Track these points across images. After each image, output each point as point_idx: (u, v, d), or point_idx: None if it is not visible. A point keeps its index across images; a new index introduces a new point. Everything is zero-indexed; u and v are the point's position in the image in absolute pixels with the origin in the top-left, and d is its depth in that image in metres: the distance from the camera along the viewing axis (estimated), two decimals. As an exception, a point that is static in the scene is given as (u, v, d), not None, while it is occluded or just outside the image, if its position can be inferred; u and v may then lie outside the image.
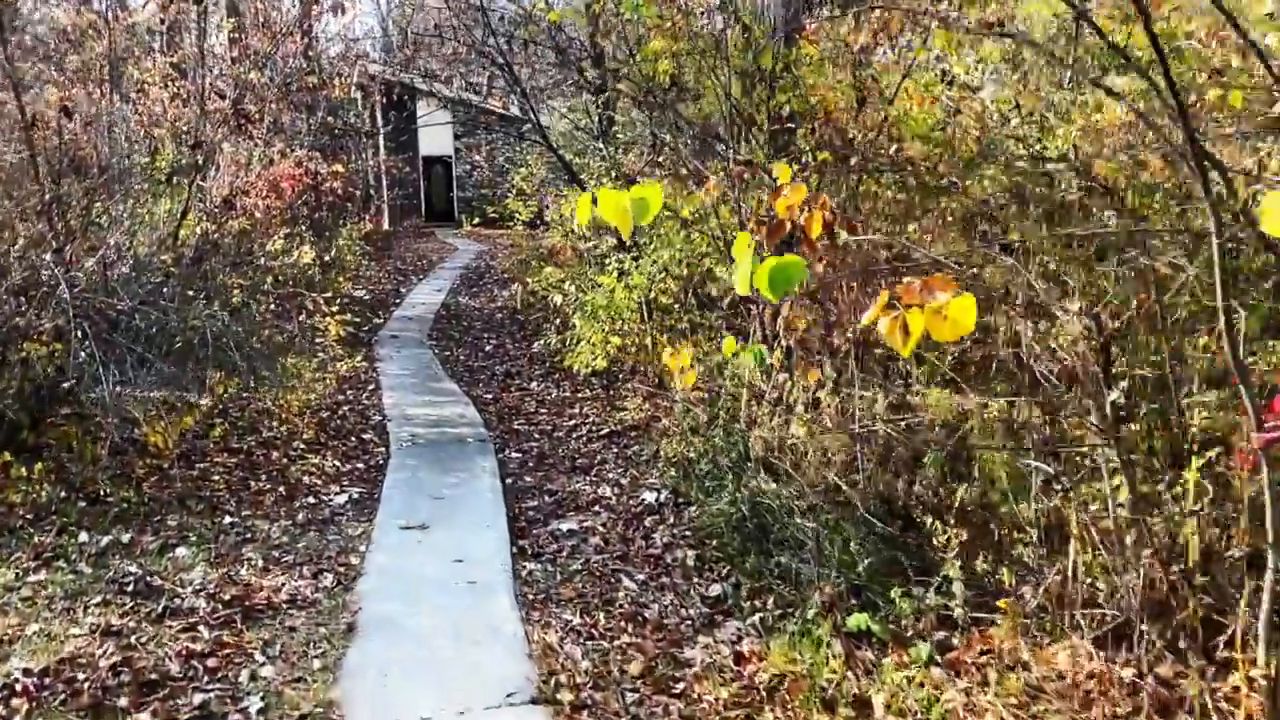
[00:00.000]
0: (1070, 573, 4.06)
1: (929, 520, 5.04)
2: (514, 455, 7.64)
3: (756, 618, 4.55)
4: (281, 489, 6.58)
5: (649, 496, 6.36)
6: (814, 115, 7.83)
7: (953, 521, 4.68)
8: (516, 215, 19.61)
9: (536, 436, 8.22)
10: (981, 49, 10.44)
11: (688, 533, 5.70)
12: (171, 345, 6.44)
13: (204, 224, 7.58)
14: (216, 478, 6.73)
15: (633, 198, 3.05)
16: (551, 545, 5.64)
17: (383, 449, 7.70)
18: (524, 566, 5.28)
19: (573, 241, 14.32)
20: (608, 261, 10.57)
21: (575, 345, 9.98)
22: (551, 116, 19.97)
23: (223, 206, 6.86)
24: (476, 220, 26.14)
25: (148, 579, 4.94)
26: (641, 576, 5.15)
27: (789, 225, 3.07)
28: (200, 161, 6.64)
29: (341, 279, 16.22)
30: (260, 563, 5.25)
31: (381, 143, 24.75)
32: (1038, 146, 8.78)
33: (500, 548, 5.48)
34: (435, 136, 26.41)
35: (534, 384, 10.39)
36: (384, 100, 23.16)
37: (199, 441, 7.45)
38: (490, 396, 9.83)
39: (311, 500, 6.41)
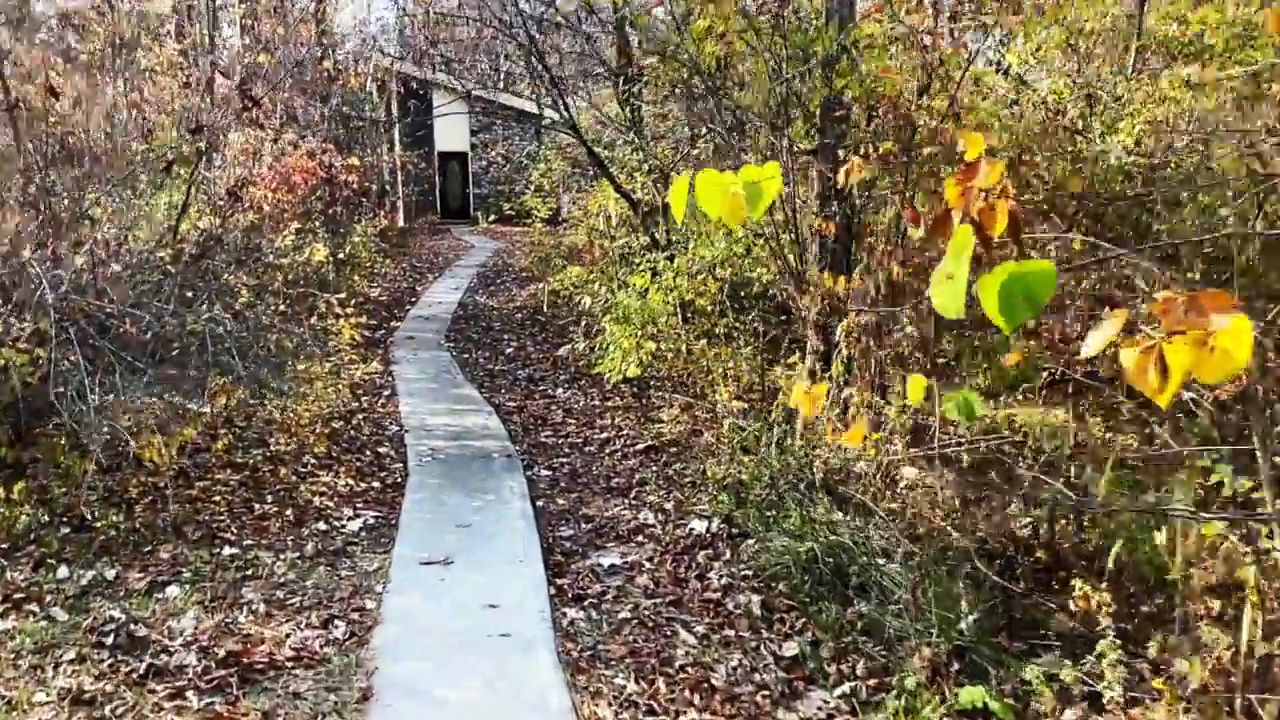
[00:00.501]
0: (1244, 646, 3.29)
1: (1040, 564, 4.27)
2: (543, 473, 6.88)
3: (846, 687, 3.79)
4: (289, 512, 5.84)
5: (698, 526, 5.60)
6: (872, 101, 7.06)
7: (1082, 571, 3.91)
8: (535, 212, 18.87)
9: (567, 451, 7.47)
10: (1037, 36, 9.65)
11: (748, 572, 4.93)
12: (168, 351, 5.71)
13: (208, 218, 6.86)
14: (218, 498, 5.99)
15: (744, 181, 2.29)
16: (594, 585, 4.88)
17: (400, 464, 6.95)
18: (565, 614, 4.52)
19: (597, 239, 13.58)
20: (638, 261, 9.81)
21: (605, 351, 9.22)
22: (573, 109, 19.22)
23: (228, 199, 6.14)
24: (493, 217, 25.40)
25: (131, 627, 4.20)
26: (701, 628, 4.39)
27: (961, 218, 2.30)
28: (202, 148, 5.91)
29: (356, 277, 15.51)
30: (262, 607, 4.50)
31: (397, 138, 24.03)
32: (1100, 138, 8.00)
33: (536, 589, 4.73)
34: (451, 132, 25.67)
35: (560, 390, 9.63)
36: (400, 92, 22.44)
37: (200, 455, 6.72)
38: (514, 404, 9.08)
39: (322, 526, 5.67)
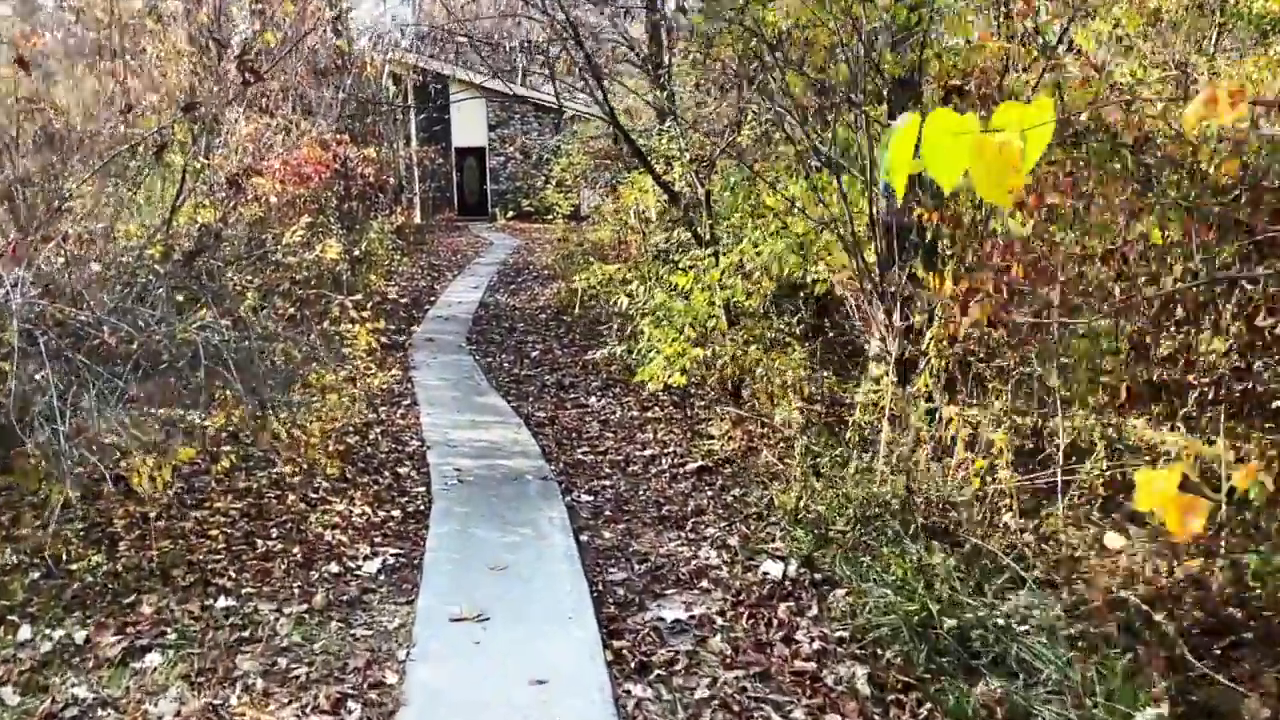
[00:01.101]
0: None
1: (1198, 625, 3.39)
2: (584, 498, 6.00)
3: (1006, 810, 2.89)
4: (296, 550, 4.97)
5: (772, 569, 4.71)
6: (953, 76, 6.15)
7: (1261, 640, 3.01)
8: (556, 208, 18.00)
9: (607, 471, 6.58)
10: (1115, 15, 8.68)
11: (843, 633, 4.04)
12: (156, 365, 4.85)
13: (207, 210, 6.01)
14: (215, 532, 5.14)
15: (1012, 124, 1.40)
16: (659, 649, 4.00)
17: (423, 488, 6.09)
18: (629, 691, 3.64)
19: (629, 235, 12.69)
20: (677, 258, 8.91)
21: (645, 356, 8.31)
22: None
23: (229, 189, 5.30)
24: (511, 213, 24.54)
25: (99, 715, 3.35)
26: (800, 713, 3.50)
27: None
28: (197, 131, 5.07)
29: (373, 276, 14.66)
30: (260, 682, 3.64)
31: (413, 132, 23.18)
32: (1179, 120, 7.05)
33: (591, 655, 3.85)
34: (468, 127, 24.82)
35: (593, 399, 8.75)
36: (417, 84, 21.58)
37: (199, 479, 5.88)
38: (544, 415, 8.20)
39: (334, 568, 4.80)
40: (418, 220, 23.06)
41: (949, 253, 5.53)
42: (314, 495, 5.78)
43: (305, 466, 6.01)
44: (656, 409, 8.17)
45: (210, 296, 4.88)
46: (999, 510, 4.71)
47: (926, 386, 5.37)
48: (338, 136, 11.49)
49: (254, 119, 9.72)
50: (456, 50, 24.06)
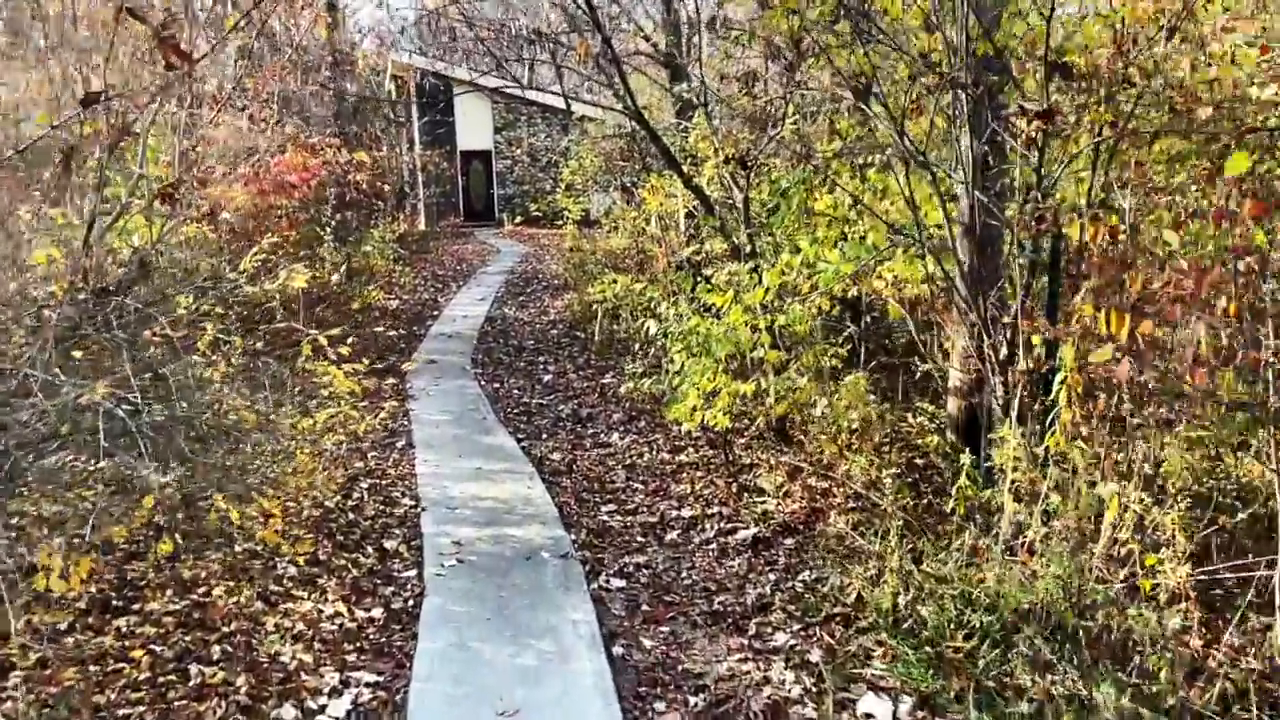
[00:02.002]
0: None
1: None
2: (614, 583, 4.70)
3: None
4: (241, 683, 3.69)
5: (876, 709, 3.41)
6: (1059, 56, 4.84)
7: None
8: (566, 213, 16.70)
9: (639, 539, 5.29)
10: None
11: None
12: (55, 433, 3.58)
13: (143, 230, 4.75)
14: (139, 652, 3.86)
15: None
16: None
17: (413, 572, 4.80)
18: None
19: (648, 243, 11.38)
20: (710, 271, 7.61)
21: (677, 389, 7.00)
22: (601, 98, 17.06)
23: (163, 203, 4.04)
24: (519, 219, 23.27)
25: None
26: None
27: None
28: (108, 130, 3.81)
29: (370, 290, 13.39)
30: None
31: (416, 136, 21.92)
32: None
33: None
34: (473, 129, 23.54)
35: (615, 435, 7.46)
36: (418, 83, 20.30)
37: (134, 564, 4.61)
38: (559, 458, 6.92)
39: (288, 715, 3.52)
40: (422, 227, 21.80)
41: (1077, 270, 4.22)
42: (274, 588, 4.49)
43: (267, 546, 4.72)
44: (690, 450, 6.87)
45: (125, 348, 3.62)
46: (1181, 628, 3.41)
47: (1058, 445, 4.07)
48: (328, 140, 10.21)
49: (227, 120, 8.45)
50: (463, 50, 22.80)
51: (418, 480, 6.25)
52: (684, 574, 4.78)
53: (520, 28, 22.79)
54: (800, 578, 4.58)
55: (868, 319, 7.33)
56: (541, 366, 10.19)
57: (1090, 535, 3.84)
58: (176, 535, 4.68)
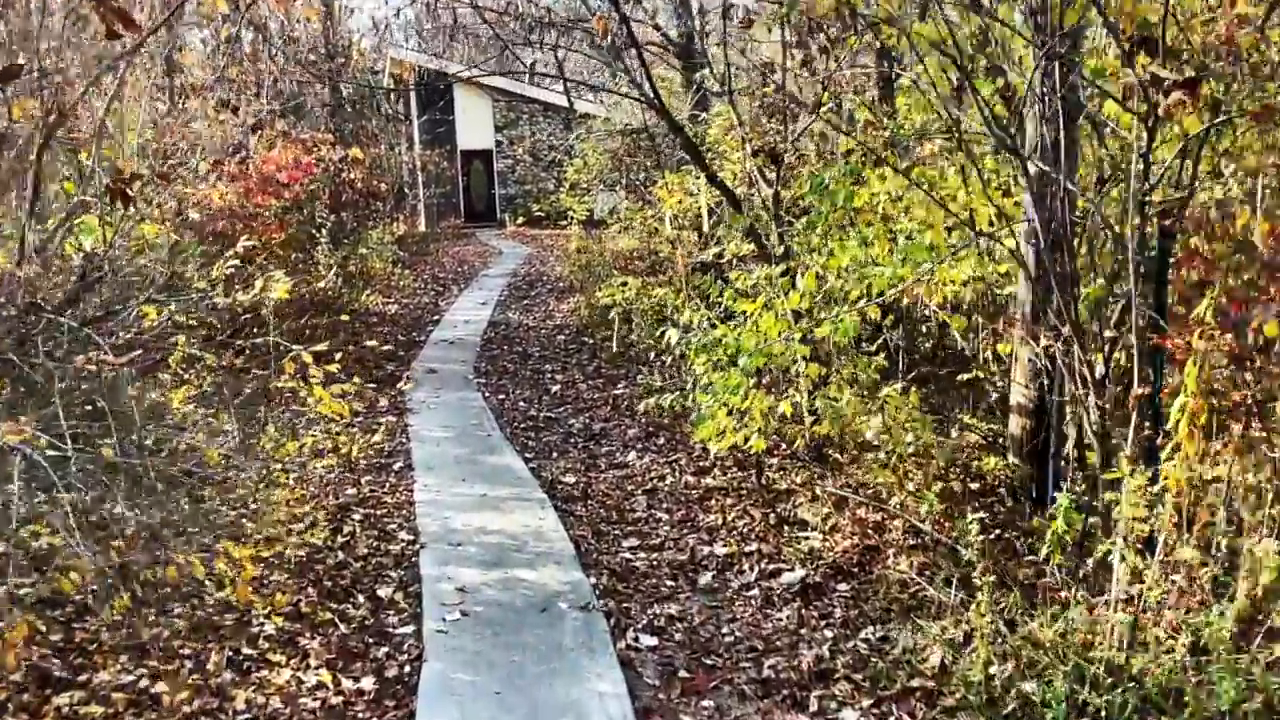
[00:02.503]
0: None
1: None
2: (644, 640, 3.99)
3: None
4: (198, 784, 2.99)
5: (987, 821, 2.71)
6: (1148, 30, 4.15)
7: None
8: (570, 213, 16.00)
9: (670, 583, 4.58)
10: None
11: None
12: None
13: (92, 232, 4.04)
14: (78, 742, 3.16)
15: None
16: None
17: (410, 627, 4.10)
18: None
19: (657, 245, 10.67)
20: (735, 274, 6.90)
21: (695, 400, 6.29)
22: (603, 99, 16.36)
23: (113, 201, 3.34)
24: (520, 219, 22.57)
25: None
26: None
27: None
28: (44, 115, 3.11)
29: (368, 294, 12.69)
30: None
31: (416, 135, 21.21)
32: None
33: None
34: (474, 128, 22.82)
35: (632, 454, 6.76)
36: (418, 81, 19.58)
37: (82, 623, 3.90)
38: (572, 481, 6.22)
39: (252, 831, 2.82)
40: (422, 228, 21.10)
41: (1199, 272, 3.51)
42: (249, 651, 3.79)
43: (240, 598, 4.02)
44: (717, 472, 6.17)
45: (57, 377, 2.91)
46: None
47: (1179, 484, 3.36)
48: (321, 137, 9.50)
49: (209, 113, 7.74)
50: (464, 48, 22.10)
51: (416, 510, 5.54)
52: (724, 628, 4.08)
53: (526, 12, 22.07)
54: (863, 635, 3.87)
55: (909, 326, 6.63)
56: (549, 376, 9.49)
57: (1230, 595, 3.14)
58: (136, 586, 3.99)
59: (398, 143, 18.81)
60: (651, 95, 5.94)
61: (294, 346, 4.53)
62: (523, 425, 7.71)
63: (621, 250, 13.20)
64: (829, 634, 3.92)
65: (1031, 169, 4.77)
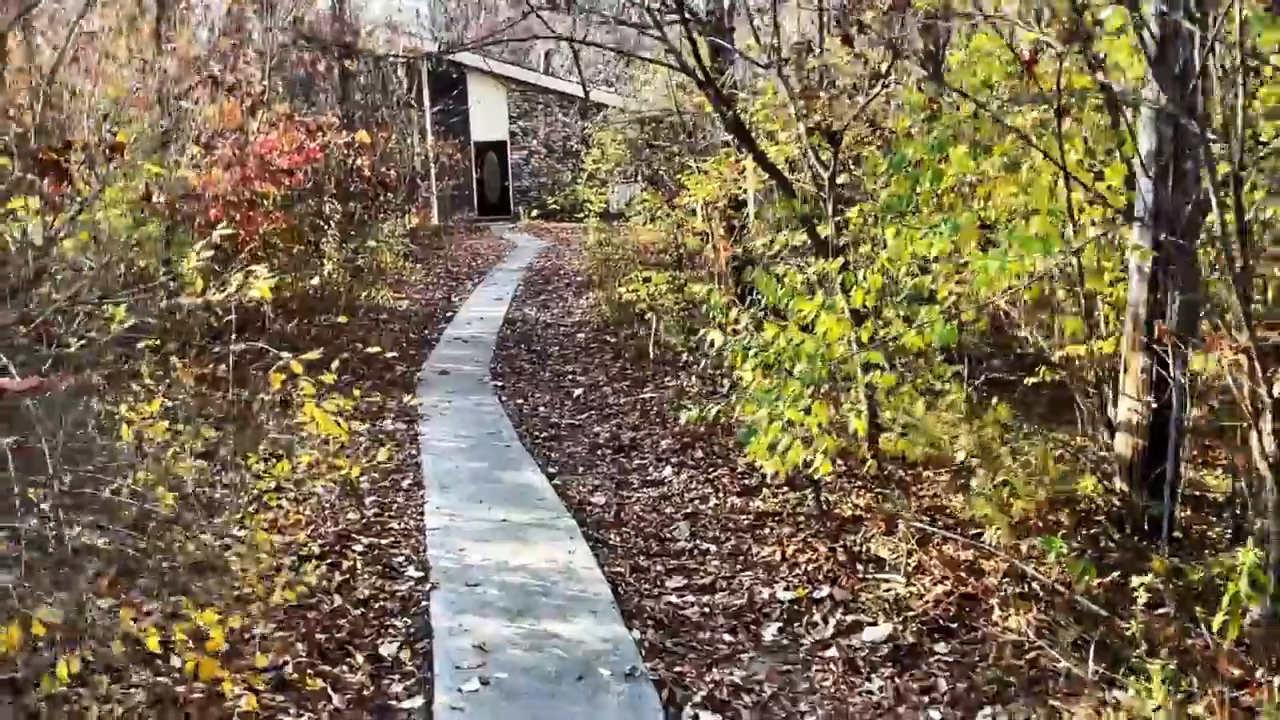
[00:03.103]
0: None
1: None
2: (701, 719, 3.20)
3: None
4: None
5: None
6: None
7: None
8: (588, 205, 15.18)
9: (728, 637, 3.78)
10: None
11: None
12: None
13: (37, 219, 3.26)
14: None
15: None
16: None
17: (419, 699, 3.30)
18: None
19: (684, 236, 9.85)
20: (780, 268, 6.09)
21: (736, 407, 5.47)
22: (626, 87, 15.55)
23: (43, 177, 2.57)
24: (535, 212, 21.76)
25: None
26: None
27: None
28: None
29: (377, 288, 11.92)
30: None
31: (429, 126, 20.41)
32: None
33: None
34: (488, 119, 22.01)
35: (667, 469, 5.96)
36: (431, 70, 18.79)
37: (22, 702, 3.13)
38: (601, 501, 5.44)
39: None
40: (434, 221, 20.32)
41: None
42: (218, 736, 3.01)
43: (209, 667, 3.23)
44: (766, 492, 5.36)
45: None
46: None
47: None
48: (327, 120, 8.71)
49: (209, 92, 6.95)
50: (477, 27, 21.31)
51: (427, 539, 4.76)
52: (802, 703, 3.27)
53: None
54: (986, 717, 3.06)
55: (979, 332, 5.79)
56: (569, 378, 8.69)
57: None
58: (88, 650, 3.21)
59: (410, 132, 18.02)
60: (695, 65, 5.10)
61: (282, 355, 3.73)
62: (544, 434, 6.92)
63: (644, 243, 12.38)
64: (935, 716, 3.11)
65: (1146, 142, 3.96)
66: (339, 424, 3.70)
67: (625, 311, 10.33)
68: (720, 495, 5.41)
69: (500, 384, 8.46)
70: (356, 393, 5.25)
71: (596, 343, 10.04)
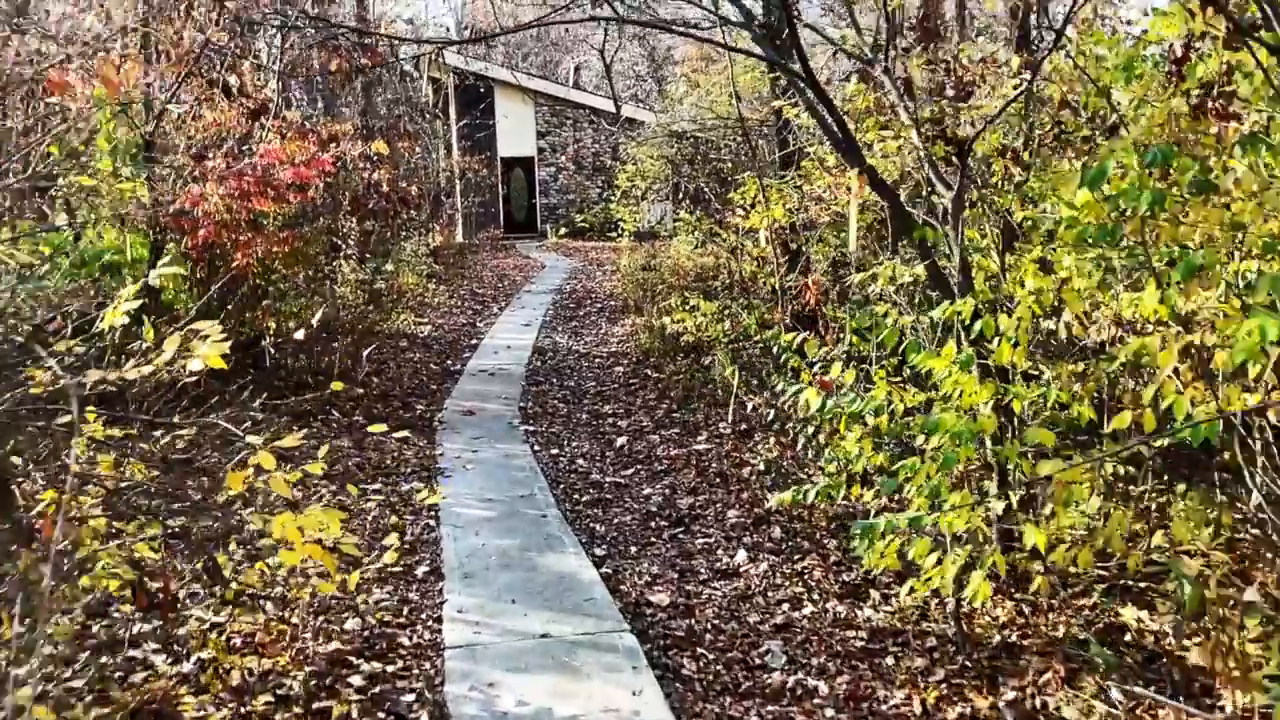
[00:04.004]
0: None
1: None
2: None
3: None
4: None
5: None
6: None
7: None
8: (621, 224, 14.04)
9: None
10: None
11: None
12: None
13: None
14: None
15: None
16: None
17: None
18: None
19: (735, 263, 8.65)
20: (882, 308, 4.86)
21: (833, 483, 4.23)
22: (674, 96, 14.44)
23: None
24: (563, 230, 20.66)
25: None
26: None
27: None
28: None
29: (398, 313, 10.80)
30: None
31: (454, 141, 19.37)
32: None
33: None
34: (515, 134, 20.95)
35: (741, 553, 4.74)
36: (457, 85, 17.76)
37: None
38: (665, 601, 4.23)
39: None
40: (459, 239, 19.24)
41: None
42: None
43: None
44: (877, 595, 4.13)
45: None
46: None
47: None
48: (341, 128, 7.60)
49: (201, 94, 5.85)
50: (505, 51, 20.29)
51: (445, 665, 3.56)
52: None
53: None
54: None
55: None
56: (609, 421, 7.50)
57: None
58: None
59: (435, 147, 16.97)
60: (804, 73, 3.89)
61: (250, 439, 2.57)
62: (585, 497, 5.72)
63: (685, 267, 11.20)
64: None
65: None
66: (326, 550, 2.51)
67: (668, 343, 9.15)
68: (818, 599, 4.18)
69: (531, 428, 7.28)
70: (353, 489, 4.06)
71: (636, 378, 8.84)
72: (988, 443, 3.60)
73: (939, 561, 3.33)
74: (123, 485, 2.89)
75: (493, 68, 20.48)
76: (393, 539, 4.10)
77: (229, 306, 6.37)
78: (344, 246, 9.49)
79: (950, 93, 5.42)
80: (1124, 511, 3.35)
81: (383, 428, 3.22)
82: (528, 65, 26.20)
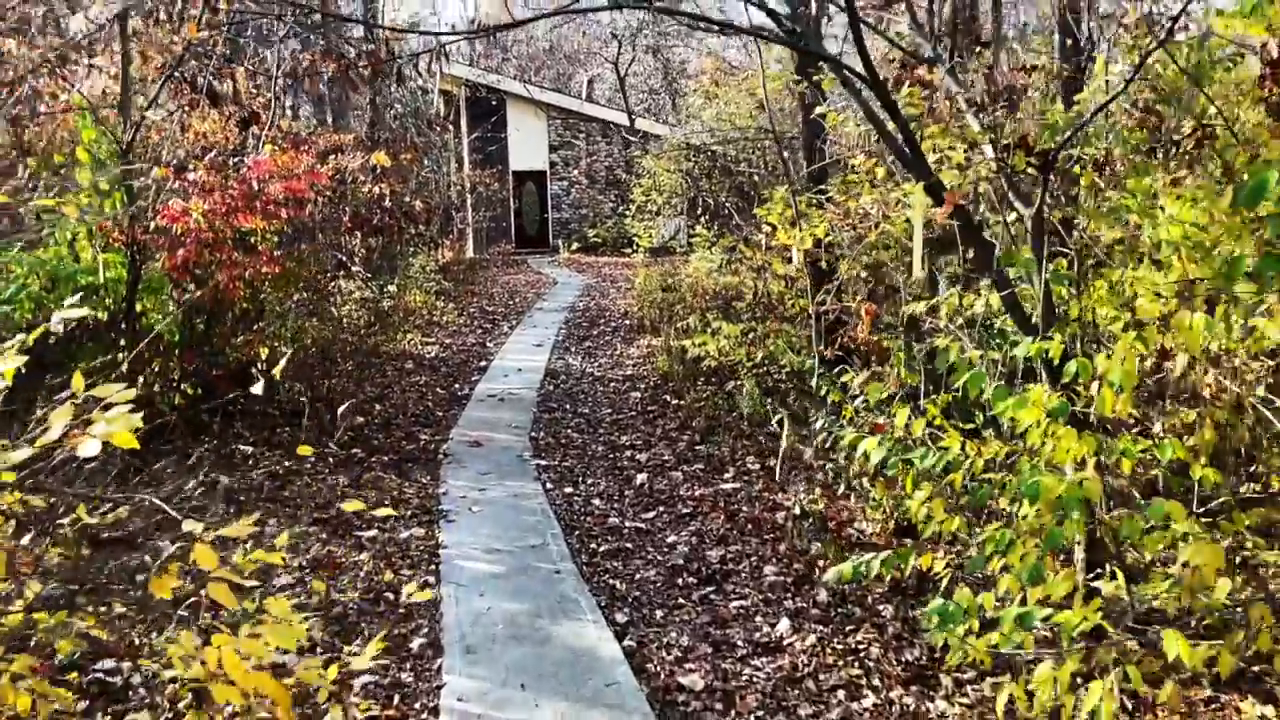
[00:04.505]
0: None
1: None
2: None
3: None
4: None
5: None
6: None
7: None
8: (636, 240, 13.44)
9: None
10: None
11: None
12: None
13: None
14: None
15: None
16: None
17: None
18: None
19: (761, 282, 8.03)
20: (940, 340, 4.22)
21: (934, 586, 3.57)
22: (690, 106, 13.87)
23: None
24: (575, 245, 20.07)
25: None
26: None
27: None
28: None
29: (404, 332, 10.21)
30: None
31: (466, 154, 18.84)
32: None
33: None
34: (527, 148, 20.40)
35: (784, 623, 4.09)
36: (468, 97, 17.23)
37: None
38: (700, 686, 3.58)
39: None
40: (469, 254, 18.68)
41: None
42: None
43: None
44: (948, 682, 3.47)
45: None
46: None
47: None
48: (342, 138, 7.02)
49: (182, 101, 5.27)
50: (517, 64, 19.80)
51: (440, 778, 2.92)
52: None
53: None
54: None
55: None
56: (627, 454, 6.86)
57: None
58: None
59: (446, 160, 16.42)
60: (867, 70, 3.28)
61: (186, 524, 1.96)
62: (603, 546, 5.08)
63: (702, 284, 10.58)
64: None
65: None
66: (280, 686, 1.89)
67: (689, 367, 8.51)
68: (878, 683, 3.52)
69: (543, 462, 6.65)
70: (320, 584, 3.44)
71: (655, 404, 8.20)
72: (1098, 511, 2.95)
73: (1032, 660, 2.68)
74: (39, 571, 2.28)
75: (505, 80, 19.97)
76: (375, 644, 3.47)
77: (216, 331, 5.77)
78: (348, 264, 8.91)
79: (1003, 101, 4.81)
80: (1263, 608, 2.69)
81: (360, 505, 2.59)
82: (540, 79, 25.72)
